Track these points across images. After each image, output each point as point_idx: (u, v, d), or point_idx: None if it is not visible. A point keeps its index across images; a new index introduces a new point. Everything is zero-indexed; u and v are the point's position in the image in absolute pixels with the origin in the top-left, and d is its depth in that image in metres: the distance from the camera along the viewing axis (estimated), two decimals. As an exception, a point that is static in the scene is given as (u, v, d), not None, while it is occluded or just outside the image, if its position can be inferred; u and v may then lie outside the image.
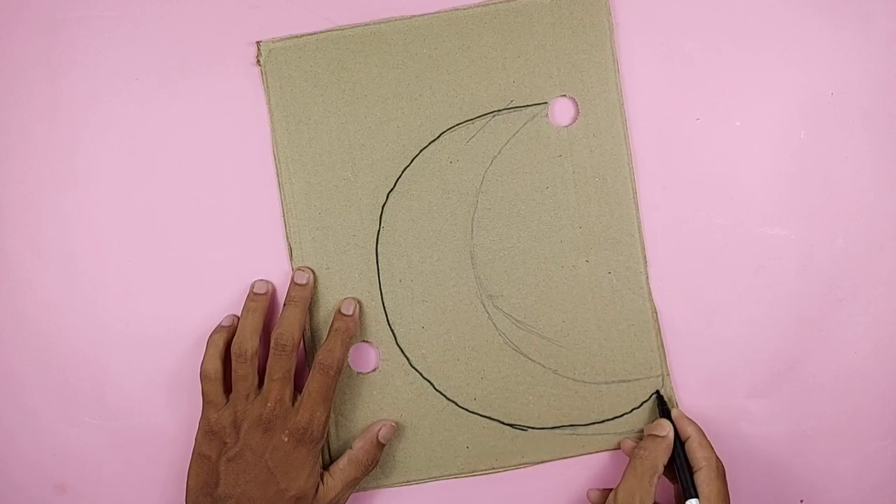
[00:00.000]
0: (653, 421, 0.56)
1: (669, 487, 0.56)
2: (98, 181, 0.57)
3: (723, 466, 0.53)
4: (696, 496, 0.52)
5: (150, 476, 0.58)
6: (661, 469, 0.53)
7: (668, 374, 0.57)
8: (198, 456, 0.54)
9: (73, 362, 0.58)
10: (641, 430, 0.57)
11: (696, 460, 0.53)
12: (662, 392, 0.57)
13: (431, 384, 0.58)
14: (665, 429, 0.54)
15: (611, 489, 0.55)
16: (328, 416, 0.54)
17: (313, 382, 0.54)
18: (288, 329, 0.54)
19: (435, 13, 0.57)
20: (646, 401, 0.57)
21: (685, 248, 0.57)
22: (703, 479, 0.52)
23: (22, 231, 0.57)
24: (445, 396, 0.58)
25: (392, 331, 0.57)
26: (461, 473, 0.58)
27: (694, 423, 0.55)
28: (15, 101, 0.57)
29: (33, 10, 0.57)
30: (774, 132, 0.57)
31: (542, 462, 0.58)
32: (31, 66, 0.57)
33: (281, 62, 0.57)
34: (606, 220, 0.57)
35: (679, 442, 0.54)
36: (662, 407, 0.57)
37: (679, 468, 0.54)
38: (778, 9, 0.57)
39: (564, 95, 0.57)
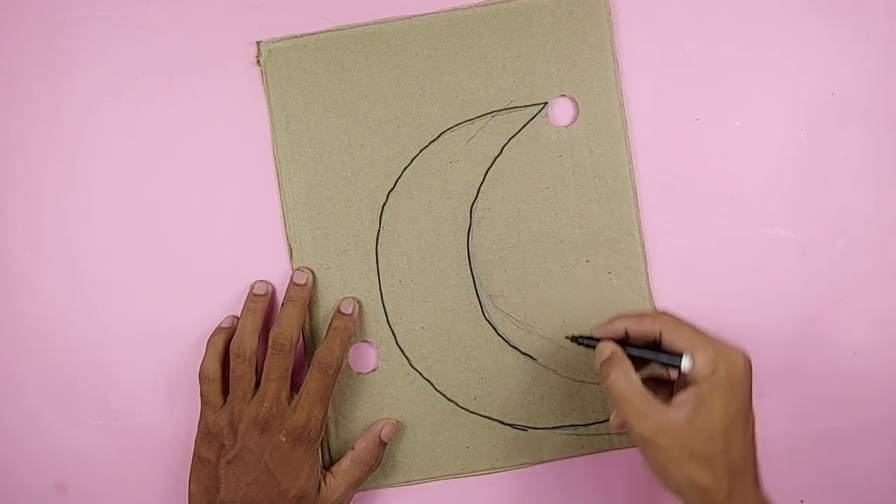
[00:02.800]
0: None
1: None
2: (98, 181, 0.57)
3: (666, 313, 0.49)
4: (680, 354, 0.47)
5: (150, 476, 0.58)
6: (635, 378, 0.48)
7: (668, 375, 0.57)
8: (198, 459, 0.54)
9: (73, 362, 0.58)
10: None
11: (646, 334, 0.49)
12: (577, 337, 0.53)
13: (431, 384, 0.58)
14: (608, 348, 0.49)
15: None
16: (326, 415, 0.54)
17: (311, 381, 0.54)
18: (286, 328, 0.54)
19: (435, 13, 0.57)
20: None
21: (685, 248, 0.57)
22: (669, 337, 0.48)
23: (22, 231, 0.57)
24: (445, 396, 0.58)
25: (392, 331, 0.57)
26: (461, 473, 0.58)
27: (611, 320, 0.51)
28: (15, 101, 0.57)
29: (33, 10, 0.57)
30: (774, 132, 0.57)
31: (542, 462, 0.58)
32: (31, 66, 0.57)
33: (281, 62, 0.57)
34: (606, 220, 0.57)
35: (626, 343, 0.50)
36: (584, 341, 0.52)
37: (646, 357, 0.49)
38: (778, 9, 0.57)
39: (564, 95, 0.57)
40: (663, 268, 0.57)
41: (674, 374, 0.49)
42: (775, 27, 0.57)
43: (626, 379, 0.48)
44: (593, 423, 0.58)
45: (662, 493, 0.57)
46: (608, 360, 0.49)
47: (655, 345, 0.50)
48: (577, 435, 0.58)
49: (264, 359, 0.54)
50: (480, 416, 0.58)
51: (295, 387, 0.55)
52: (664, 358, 0.49)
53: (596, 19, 0.56)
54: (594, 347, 0.51)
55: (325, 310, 0.57)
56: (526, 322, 0.57)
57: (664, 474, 0.48)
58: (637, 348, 0.50)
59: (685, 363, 0.47)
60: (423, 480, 0.58)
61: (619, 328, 0.50)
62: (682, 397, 0.47)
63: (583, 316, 0.57)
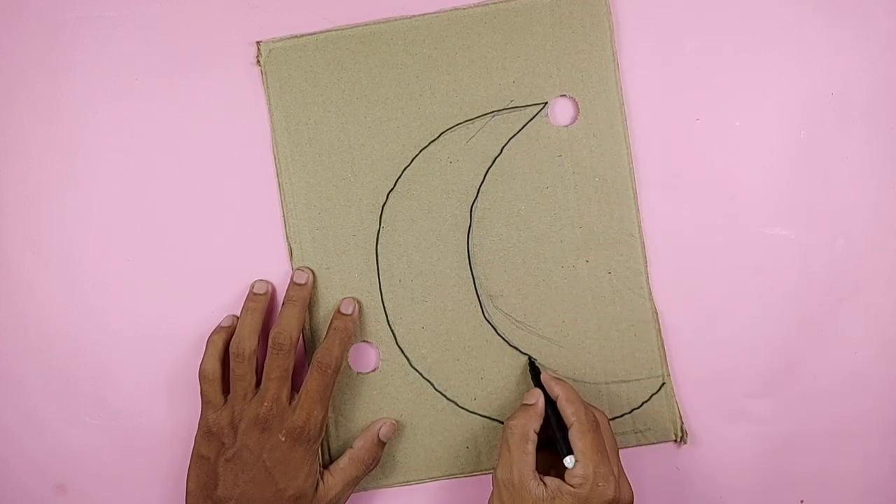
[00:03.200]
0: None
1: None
2: (98, 181, 0.57)
3: (595, 418, 0.52)
4: (572, 452, 0.51)
5: (150, 476, 0.58)
6: (532, 436, 0.52)
7: (669, 375, 0.57)
8: (197, 457, 0.54)
9: (73, 362, 0.58)
10: (641, 431, 0.57)
11: (567, 417, 0.52)
12: (537, 363, 0.57)
13: (431, 384, 0.58)
14: (534, 397, 0.54)
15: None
16: (326, 415, 0.54)
17: (311, 381, 0.54)
18: (286, 328, 0.54)
19: (435, 13, 0.57)
20: (646, 401, 0.57)
21: (685, 248, 0.57)
22: (575, 434, 0.51)
23: (22, 231, 0.57)
24: (445, 396, 0.58)
25: (392, 331, 0.57)
26: (461, 473, 0.58)
27: (562, 381, 0.54)
28: (15, 101, 0.57)
29: (33, 10, 0.57)
30: (774, 132, 0.57)
31: (542, 462, 0.58)
32: (31, 66, 0.57)
33: (281, 62, 0.57)
34: (606, 220, 0.57)
35: (552, 404, 0.53)
36: (534, 373, 0.56)
37: (555, 430, 0.53)
38: (778, 9, 0.57)
39: (564, 95, 0.57)
40: (663, 268, 0.57)
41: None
42: (775, 27, 0.57)
43: (522, 431, 0.52)
44: (593, 423, 0.58)
45: (660, 491, 0.57)
46: (527, 405, 0.53)
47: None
48: (577, 435, 0.58)
49: (264, 358, 0.55)
50: (480, 416, 0.58)
51: (296, 387, 0.55)
52: (559, 442, 0.52)
53: (596, 19, 0.56)
54: (533, 383, 0.56)
55: (325, 310, 0.57)
56: (526, 322, 0.57)
57: None
58: (555, 417, 0.53)
59: (568, 460, 0.51)
60: (423, 480, 0.58)
61: (556, 393, 0.53)
62: (549, 481, 0.51)
63: (582, 316, 0.57)
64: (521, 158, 0.57)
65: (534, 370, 0.56)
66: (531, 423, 0.52)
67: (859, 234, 0.57)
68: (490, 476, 0.58)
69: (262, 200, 0.57)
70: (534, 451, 0.52)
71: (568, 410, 0.52)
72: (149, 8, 0.57)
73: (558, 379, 0.54)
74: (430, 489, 0.58)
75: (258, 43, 0.57)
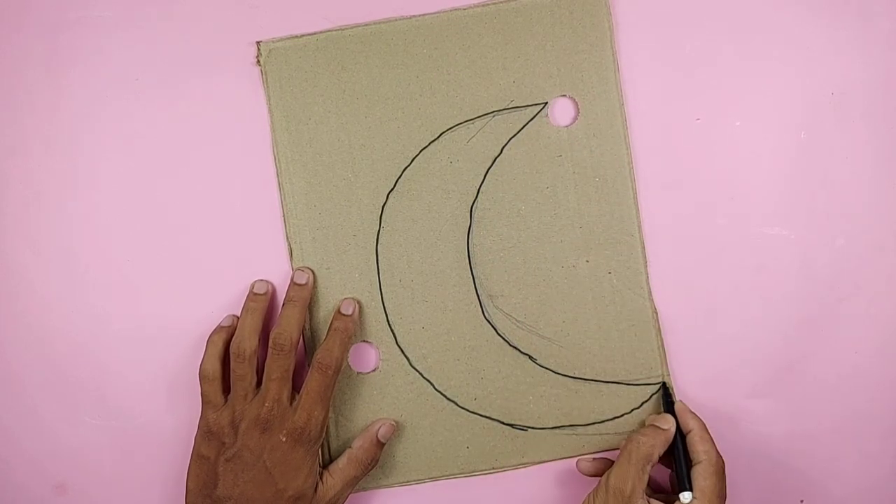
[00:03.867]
0: (657, 413, 0.57)
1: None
2: (98, 181, 0.57)
3: (723, 463, 0.53)
4: (691, 489, 0.52)
5: (150, 476, 0.58)
6: (655, 458, 0.53)
7: (669, 375, 0.57)
8: (197, 456, 0.54)
9: (73, 362, 0.58)
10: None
11: (696, 454, 0.53)
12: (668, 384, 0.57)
13: (431, 384, 0.58)
14: (668, 422, 0.54)
15: (602, 459, 0.56)
16: (326, 416, 0.54)
17: (311, 382, 0.54)
18: (286, 329, 0.54)
19: (435, 13, 0.57)
20: (646, 401, 0.57)
21: (685, 248, 0.57)
22: (700, 473, 0.52)
23: (22, 231, 0.57)
24: (445, 396, 0.58)
25: (392, 331, 0.57)
26: (461, 473, 0.58)
27: (697, 416, 0.55)
28: (15, 101, 0.57)
29: (33, 10, 0.57)
30: (774, 132, 0.57)
31: (542, 462, 0.58)
32: (31, 66, 0.57)
33: (281, 62, 0.57)
34: (606, 220, 0.57)
35: (680, 435, 0.54)
36: (667, 399, 0.56)
37: (677, 460, 0.54)
38: (778, 9, 0.57)
39: (564, 95, 0.57)
40: (663, 268, 0.57)
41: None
42: (775, 27, 0.57)
43: (648, 451, 0.52)
44: (593, 423, 0.58)
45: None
46: (659, 429, 0.54)
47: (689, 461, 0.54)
48: (576, 435, 0.58)
49: (265, 359, 0.55)
50: (480, 416, 0.58)
51: (296, 387, 0.55)
52: (682, 474, 0.53)
53: (596, 19, 0.56)
54: (663, 407, 0.56)
55: (325, 310, 0.57)
56: (526, 322, 0.57)
57: None
58: (681, 449, 0.54)
59: (686, 496, 0.52)
60: (423, 480, 0.58)
61: (690, 426, 0.54)
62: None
63: (583, 316, 0.57)
64: (522, 158, 0.57)
65: (667, 397, 0.56)
66: (658, 447, 0.53)
67: (859, 234, 0.57)
68: (490, 476, 0.58)
69: (262, 200, 0.57)
70: (649, 474, 0.52)
71: (700, 447, 0.53)
72: (149, 8, 0.57)
73: (693, 413, 0.55)
74: (430, 489, 0.58)
75: (258, 43, 0.57)
